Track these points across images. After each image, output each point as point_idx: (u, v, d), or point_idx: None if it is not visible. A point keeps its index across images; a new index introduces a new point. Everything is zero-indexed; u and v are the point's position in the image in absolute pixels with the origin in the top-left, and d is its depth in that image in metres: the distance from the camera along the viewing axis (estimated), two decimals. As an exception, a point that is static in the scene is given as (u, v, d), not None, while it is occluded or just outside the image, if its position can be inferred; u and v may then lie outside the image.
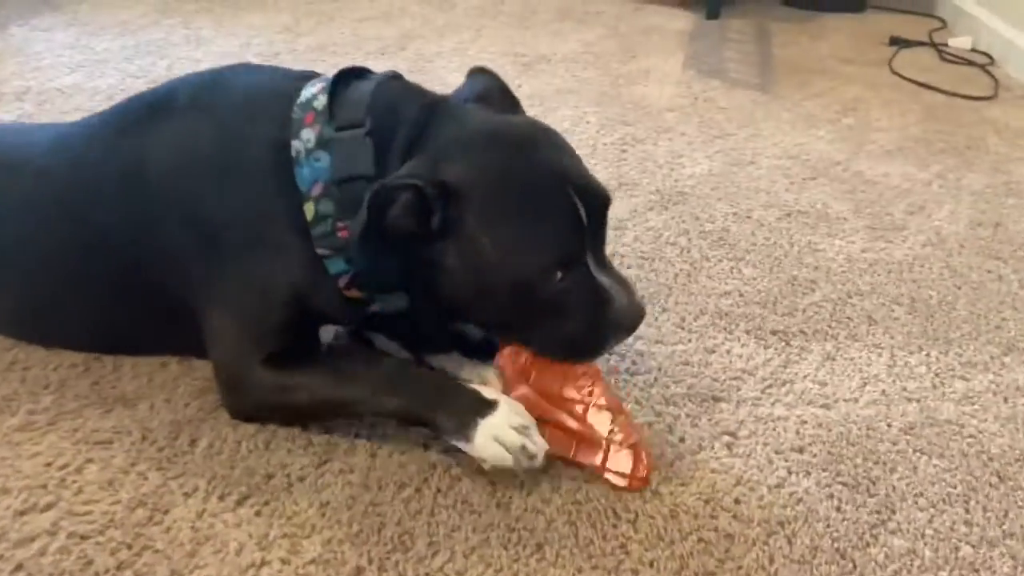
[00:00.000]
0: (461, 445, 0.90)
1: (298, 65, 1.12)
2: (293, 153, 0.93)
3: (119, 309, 1.05)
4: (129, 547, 0.84)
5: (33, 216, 1.05)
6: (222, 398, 1.00)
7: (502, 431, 0.88)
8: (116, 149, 1.00)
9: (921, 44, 2.61)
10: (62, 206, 1.03)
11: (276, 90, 0.98)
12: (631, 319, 0.93)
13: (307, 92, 0.96)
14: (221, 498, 0.90)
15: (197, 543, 0.84)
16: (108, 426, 0.99)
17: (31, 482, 0.91)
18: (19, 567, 0.81)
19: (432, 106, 0.96)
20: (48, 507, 0.88)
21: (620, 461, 0.93)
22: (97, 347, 1.11)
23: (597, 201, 0.92)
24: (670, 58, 2.41)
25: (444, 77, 2.16)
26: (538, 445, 0.89)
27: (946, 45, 2.59)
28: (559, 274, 0.89)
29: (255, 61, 2.14)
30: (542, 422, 0.93)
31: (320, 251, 0.94)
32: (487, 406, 0.90)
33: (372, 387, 0.94)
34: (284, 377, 0.96)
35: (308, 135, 0.93)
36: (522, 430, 0.89)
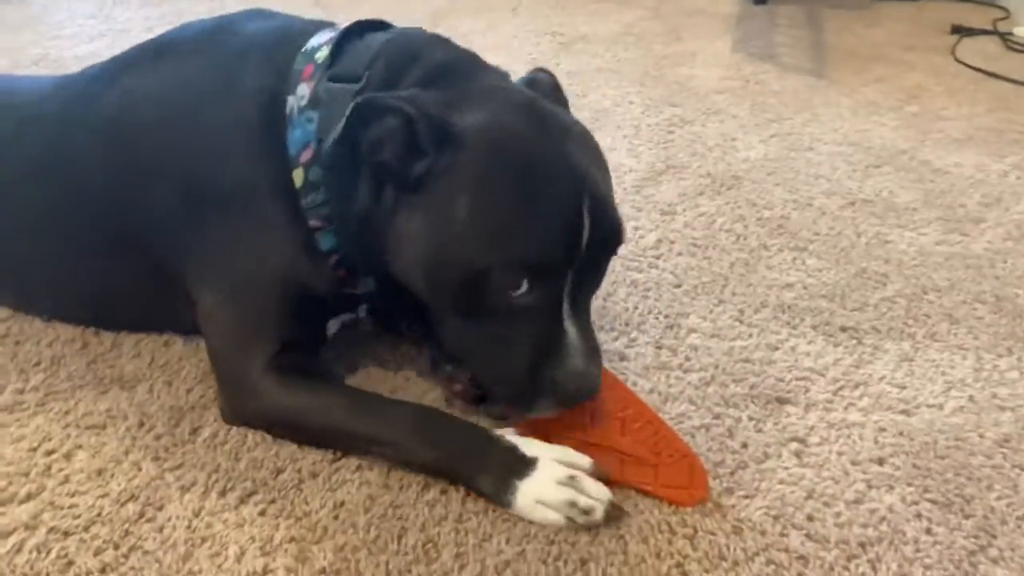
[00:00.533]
0: (501, 505, 0.78)
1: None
2: (287, 110, 0.82)
3: (107, 277, 0.94)
4: (116, 547, 0.74)
5: (16, 168, 0.95)
6: (219, 399, 0.89)
7: (546, 491, 0.76)
8: (107, 96, 0.90)
9: (985, 33, 2.45)
10: (51, 156, 0.92)
11: (283, 36, 0.88)
12: (575, 389, 0.78)
13: (314, 41, 0.86)
14: (222, 494, 0.79)
15: (192, 545, 0.74)
16: (102, 409, 0.89)
17: (13, 469, 0.81)
18: (-10, 566, 0.71)
19: (458, 61, 0.84)
20: (29, 497, 0.78)
21: (674, 474, 0.81)
22: (85, 318, 1.01)
23: (608, 231, 0.78)
24: (716, 41, 2.28)
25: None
26: (595, 496, 0.77)
27: (1011, 34, 2.43)
28: (525, 283, 0.75)
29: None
30: (577, 443, 0.82)
31: (312, 223, 0.83)
32: (526, 465, 0.78)
33: (402, 431, 0.81)
34: (296, 394, 0.85)
35: (303, 91, 0.82)
36: (570, 482, 0.77)
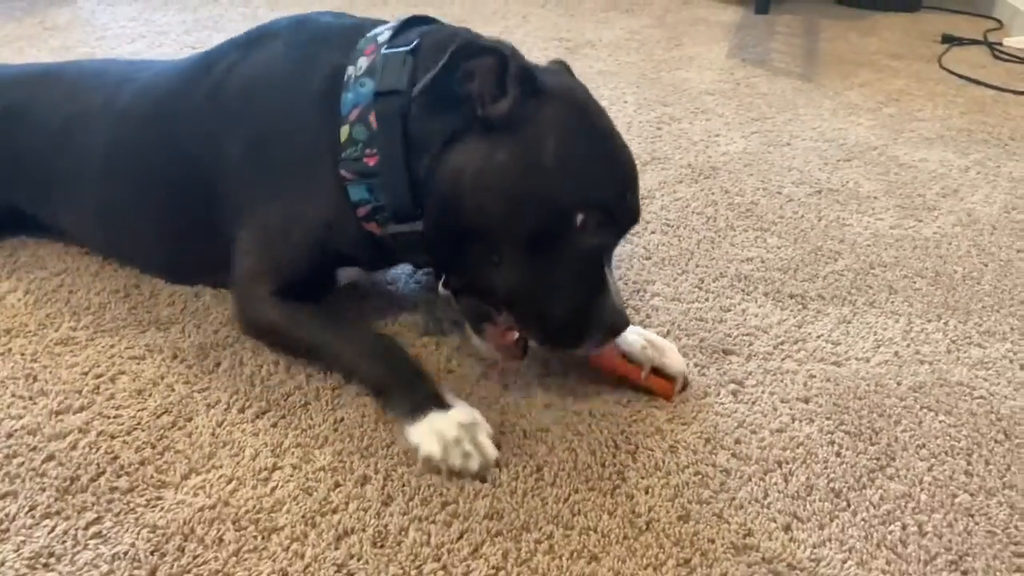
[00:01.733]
0: (404, 427, 0.90)
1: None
2: (345, 78, 0.97)
3: (180, 234, 1.11)
4: (153, 447, 0.89)
5: (128, 124, 1.11)
6: (232, 309, 1.06)
7: (446, 426, 0.87)
8: (211, 69, 1.07)
9: (974, 42, 2.57)
10: (154, 115, 1.09)
11: (352, 25, 1.04)
12: (617, 320, 0.90)
13: (377, 29, 1.01)
14: (241, 411, 0.95)
15: (215, 447, 0.89)
16: (142, 344, 1.05)
17: (68, 387, 0.97)
18: (51, 457, 0.87)
19: (503, 48, 0.95)
20: (81, 409, 0.94)
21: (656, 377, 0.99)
22: (154, 268, 1.18)
23: (635, 210, 0.93)
24: (714, 47, 2.42)
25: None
26: (483, 449, 0.87)
27: (1000, 44, 2.55)
28: (596, 225, 0.87)
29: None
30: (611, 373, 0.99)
31: (343, 173, 0.95)
32: (445, 405, 0.90)
33: (357, 348, 0.98)
34: (289, 309, 1.01)
35: (363, 62, 0.96)
36: (470, 429, 0.87)
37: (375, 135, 0.93)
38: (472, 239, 0.90)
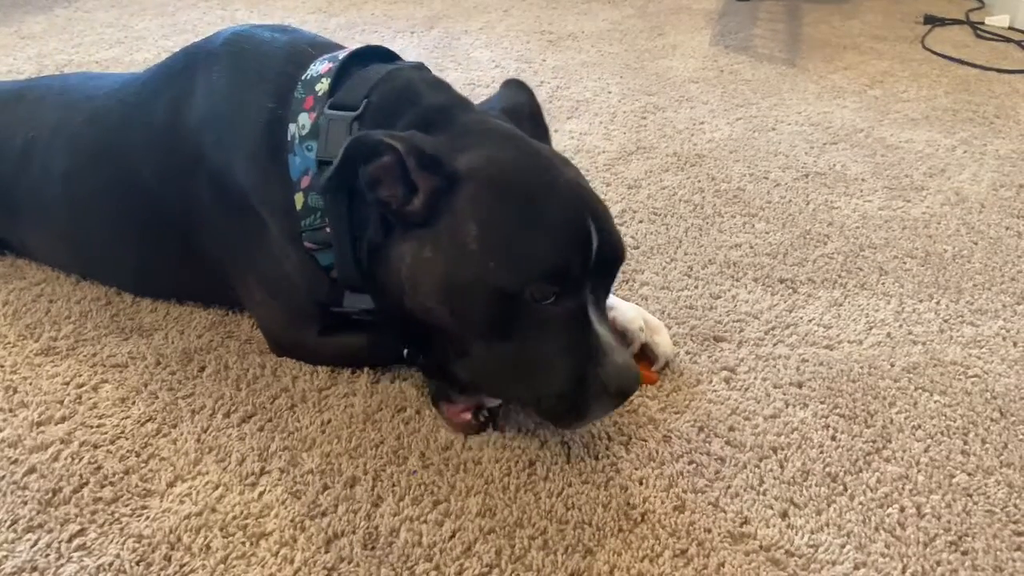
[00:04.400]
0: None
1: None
2: (288, 137, 0.90)
3: (148, 253, 1.07)
4: (137, 455, 0.87)
5: (81, 153, 1.07)
6: (272, 349, 1.03)
7: None
8: (160, 97, 1.02)
9: (956, 22, 2.57)
10: (108, 146, 1.05)
11: (288, 57, 0.96)
12: (623, 382, 0.78)
13: (314, 69, 0.93)
14: (226, 415, 0.93)
15: (201, 453, 0.88)
16: (124, 352, 1.03)
17: (49, 398, 0.95)
18: (32, 470, 0.85)
19: (451, 103, 0.90)
20: (63, 419, 0.92)
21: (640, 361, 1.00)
22: (126, 285, 1.15)
23: (611, 246, 0.82)
24: (697, 35, 2.41)
25: (470, 53, 2.19)
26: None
27: (982, 23, 2.54)
28: (553, 295, 0.78)
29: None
30: None
31: (308, 244, 0.91)
32: None
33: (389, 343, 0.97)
34: (338, 341, 0.99)
35: (304, 120, 0.90)
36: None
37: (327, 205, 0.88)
38: (430, 331, 0.85)
